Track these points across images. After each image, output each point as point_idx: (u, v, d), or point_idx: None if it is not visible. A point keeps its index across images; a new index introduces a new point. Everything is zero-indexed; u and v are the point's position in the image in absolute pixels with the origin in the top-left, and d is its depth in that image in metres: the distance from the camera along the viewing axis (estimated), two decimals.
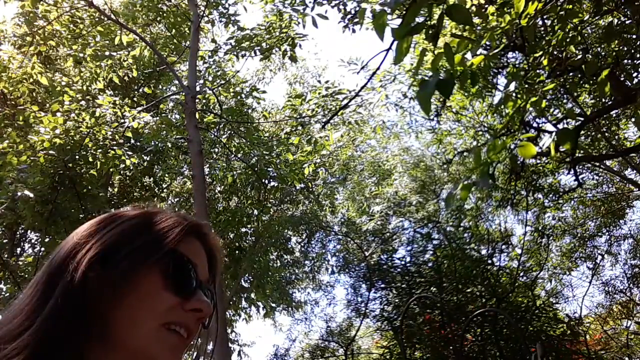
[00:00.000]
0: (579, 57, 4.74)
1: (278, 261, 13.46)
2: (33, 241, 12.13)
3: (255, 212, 12.11)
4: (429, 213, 10.83)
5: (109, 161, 8.15)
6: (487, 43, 3.95)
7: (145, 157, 10.86)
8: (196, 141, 7.06)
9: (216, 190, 12.50)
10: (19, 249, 11.84)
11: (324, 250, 13.29)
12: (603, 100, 7.13)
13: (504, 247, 10.42)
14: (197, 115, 7.57)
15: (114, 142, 8.22)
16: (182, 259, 0.79)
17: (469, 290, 10.27)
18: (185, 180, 12.87)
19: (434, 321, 9.65)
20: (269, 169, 9.72)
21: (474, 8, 3.92)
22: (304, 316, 13.91)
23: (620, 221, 12.98)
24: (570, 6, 3.99)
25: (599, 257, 13.00)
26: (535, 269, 10.86)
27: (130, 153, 8.72)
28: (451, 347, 9.29)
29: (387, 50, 3.14)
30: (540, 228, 11.19)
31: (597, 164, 11.59)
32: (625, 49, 5.46)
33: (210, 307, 0.80)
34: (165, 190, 13.18)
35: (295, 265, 13.84)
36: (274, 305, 14.20)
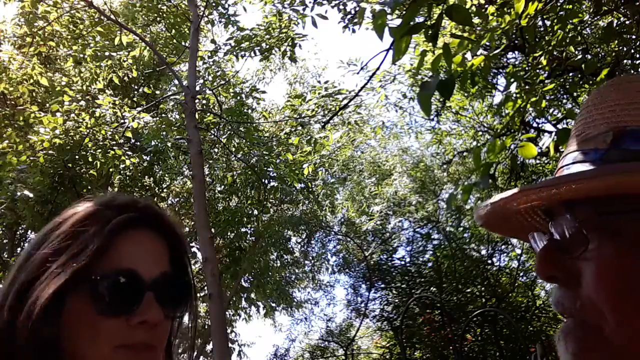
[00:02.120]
0: (579, 57, 4.74)
1: (278, 261, 13.47)
2: None
3: (255, 212, 12.11)
4: (429, 213, 10.83)
5: (109, 161, 8.15)
6: (487, 43, 3.95)
7: (145, 157, 10.87)
8: (196, 141, 7.06)
9: (216, 190, 12.50)
10: (19, 249, 11.84)
11: (324, 250, 13.31)
12: None
13: (503, 247, 10.42)
14: (197, 116, 7.58)
15: (114, 142, 8.22)
16: (107, 275, 0.72)
17: (469, 290, 10.28)
18: (185, 180, 12.87)
19: (434, 321, 9.66)
20: (268, 169, 9.72)
21: (474, 8, 3.92)
22: (304, 316, 13.93)
23: None
24: (570, 6, 3.99)
25: None
26: (535, 269, 10.86)
27: (130, 153, 8.72)
28: (451, 347, 9.30)
29: (387, 50, 3.14)
30: None
31: None
32: (625, 49, 5.46)
33: (158, 312, 0.73)
34: (165, 190, 13.19)
35: (295, 265, 13.84)
36: (274, 305, 14.21)
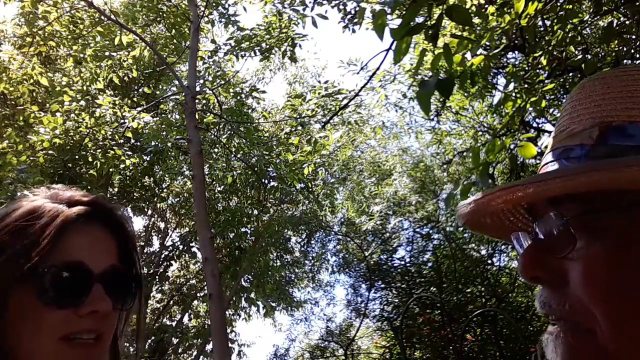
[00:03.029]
0: (579, 57, 4.74)
1: (278, 261, 13.47)
2: None
3: (255, 212, 12.12)
4: (429, 213, 10.83)
5: (109, 161, 8.15)
6: (487, 43, 3.95)
7: (145, 157, 10.87)
8: (196, 141, 7.06)
9: (216, 190, 12.50)
10: None
11: (324, 250, 13.31)
12: None
13: (503, 247, 10.41)
14: (197, 116, 7.58)
15: (114, 142, 8.22)
16: (56, 267, 0.71)
17: (469, 290, 10.28)
18: (185, 180, 12.87)
19: (434, 321, 9.66)
20: (268, 169, 9.72)
21: (474, 8, 3.92)
22: (304, 316, 13.93)
23: None
24: (570, 6, 3.99)
25: None
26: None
27: (130, 153, 8.72)
28: (451, 347, 9.30)
29: (387, 50, 3.14)
30: None
31: None
32: (625, 49, 5.46)
33: (107, 303, 0.73)
34: (165, 190, 13.19)
35: (295, 265, 13.85)
36: (274, 305, 14.22)
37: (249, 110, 10.86)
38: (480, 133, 9.83)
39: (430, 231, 10.88)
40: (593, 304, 0.48)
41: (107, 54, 8.55)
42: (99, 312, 0.72)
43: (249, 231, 12.68)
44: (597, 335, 0.48)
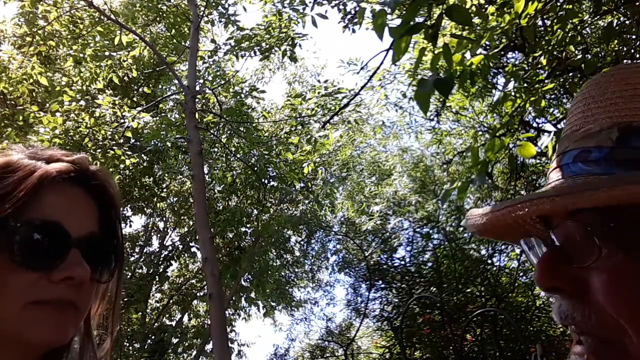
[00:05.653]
0: (579, 57, 4.73)
1: (278, 260, 13.47)
2: None
3: (255, 211, 12.12)
4: (429, 213, 10.83)
5: (109, 161, 8.15)
6: (487, 43, 3.95)
7: (145, 157, 10.86)
8: (196, 141, 7.06)
9: (216, 190, 12.50)
10: None
11: (323, 250, 13.32)
12: None
13: (503, 247, 10.41)
14: (196, 115, 7.58)
15: (114, 142, 8.22)
16: (30, 224, 0.64)
17: (469, 290, 10.27)
18: (185, 180, 12.87)
19: (434, 321, 9.65)
20: (268, 169, 9.72)
21: (474, 8, 3.92)
22: (303, 316, 13.94)
23: None
24: (570, 6, 3.99)
25: None
26: (535, 269, 10.83)
27: (130, 153, 8.72)
28: (451, 347, 9.30)
29: (387, 50, 3.14)
30: None
31: None
32: (625, 49, 5.45)
33: (84, 269, 0.66)
34: (165, 190, 13.18)
35: (295, 264, 13.85)
36: (273, 304, 14.22)
37: (249, 110, 10.85)
38: (480, 133, 9.82)
39: (430, 231, 10.88)
40: (621, 316, 0.46)
41: (107, 53, 8.55)
42: (75, 278, 0.65)
43: (248, 231, 12.68)
44: (629, 349, 0.45)
